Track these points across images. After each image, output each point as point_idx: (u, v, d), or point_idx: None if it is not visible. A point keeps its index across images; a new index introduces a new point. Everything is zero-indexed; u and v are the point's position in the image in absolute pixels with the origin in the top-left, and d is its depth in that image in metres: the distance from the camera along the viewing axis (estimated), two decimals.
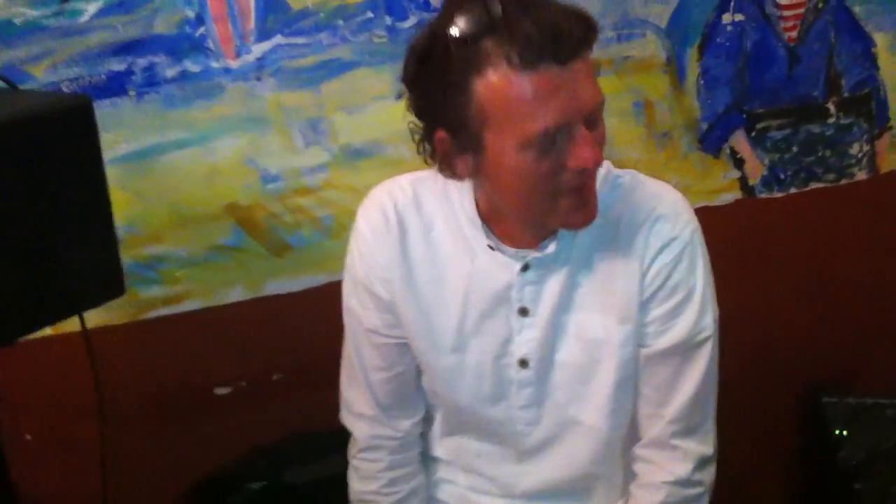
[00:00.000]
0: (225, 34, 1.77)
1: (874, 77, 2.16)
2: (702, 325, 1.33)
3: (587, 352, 1.35)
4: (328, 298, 1.93)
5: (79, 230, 1.37)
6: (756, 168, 2.15)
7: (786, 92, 2.12)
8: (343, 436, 2.00)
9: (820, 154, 2.18)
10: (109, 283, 1.50)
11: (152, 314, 1.89)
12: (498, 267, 1.32)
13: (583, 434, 1.40)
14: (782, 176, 2.18)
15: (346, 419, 1.53)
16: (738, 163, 2.14)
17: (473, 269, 1.33)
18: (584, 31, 1.13)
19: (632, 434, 1.41)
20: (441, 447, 1.54)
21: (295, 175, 1.88)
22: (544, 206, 1.22)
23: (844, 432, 1.80)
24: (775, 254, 2.20)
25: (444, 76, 1.15)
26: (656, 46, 2.01)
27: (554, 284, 1.32)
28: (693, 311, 1.32)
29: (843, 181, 2.22)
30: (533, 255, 1.29)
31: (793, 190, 2.19)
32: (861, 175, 2.22)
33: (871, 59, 2.14)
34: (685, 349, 1.33)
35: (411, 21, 1.86)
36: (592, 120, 1.17)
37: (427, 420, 1.53)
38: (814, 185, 2.21)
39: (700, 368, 1.34)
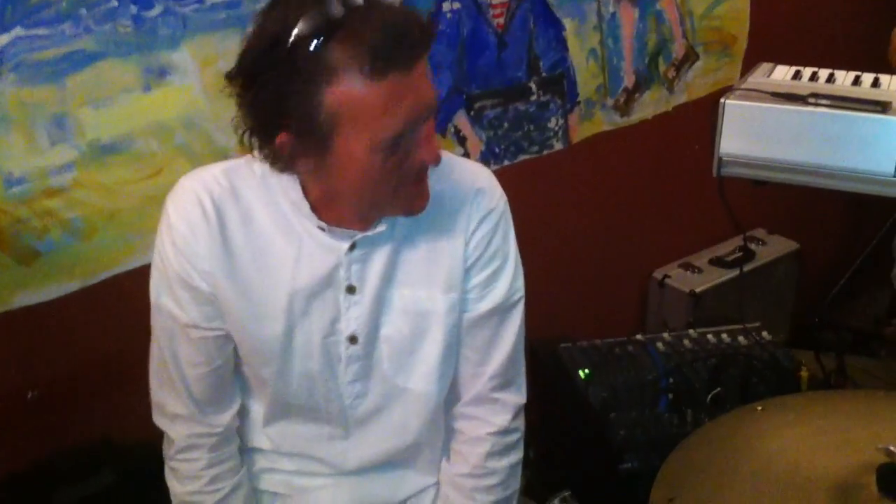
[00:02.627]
0: None
1: (565, 58, 2.56)
2: (515, 286, 1.56)
3: (413, 324, 1.51)
4: (83, 305, 1.94)
5: None
6: (476, 145, 2.47)
7: (496, 74, 2.46)
8: (107, 447, 2.02)
9: (525, 129, 2.54)
10: None
11: None
12: (325, 249, 1.43)
13: (410, 401, 1.57)
14: (497, 150, 2.51)
15: (160, 421, 1.59)
16: (462, 140, 2.43)
17: (299, 254, 1.44)
18: (422, 32, 1.25)
19: (450, 396, 1.63)
20: (262, 437, 1.66)
21: (41, 176, 1.86)
22: (386, 198, 1.36)
23: (587, 371, 2.14)
24: None
25: (289, 83, 1.21)
26: None
27: (379, 261, 1.46)
28: (508, 275, 1.55)
29: (545, 152, 2.59)
30: (361, 234, 1.43)
31: (506, 162, 2.52)
32: (558, 146, 2.61)
33: (563, 43, 2.54)
34: (502, 310, 1.55)
35: (157, 10, 1.92)
36: (431, 115, 1.33)
37: (241, 412, 1.63)
38: (522, 157, 2.56)
39: (515, 326, 1.58)
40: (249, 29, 1.26)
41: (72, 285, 1.95)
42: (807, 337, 2.96)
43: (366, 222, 1.43)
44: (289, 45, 1.19)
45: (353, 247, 1.43)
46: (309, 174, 1.37)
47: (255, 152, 1.35)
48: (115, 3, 1.85)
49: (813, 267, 3.16)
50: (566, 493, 1.74)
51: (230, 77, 1.28)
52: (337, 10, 1.19)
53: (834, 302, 3.02)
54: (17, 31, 1.76)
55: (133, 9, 1.88)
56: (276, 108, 1.25)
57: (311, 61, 1.19)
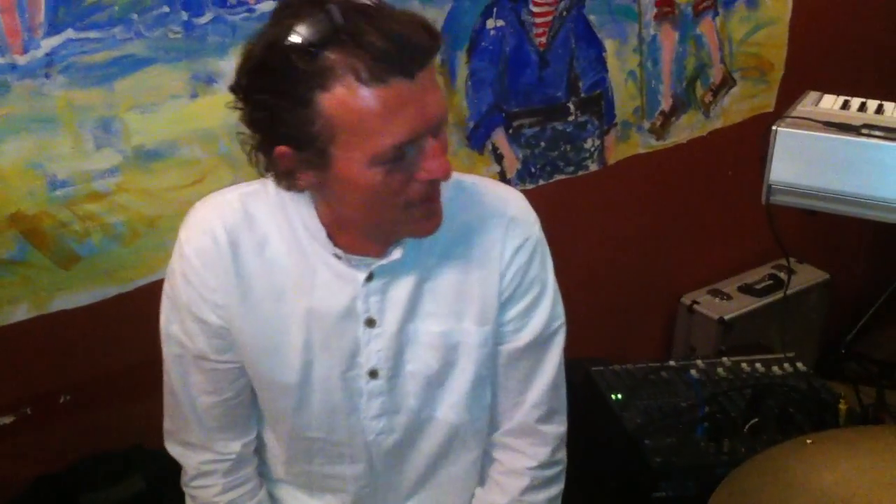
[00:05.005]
0: (12, 27, 1.71)
1: (605, 79, 2.55)
2: (556, 314, 1.48)
3: (441, 358, 1.43)
4: (120, 310, 1.94)
5: None
6: (512, 163, 2.46)
7: (536, 92, 2.44)
8: (138, 453, 2.00)
9: (562, 149, 2.53)
10: None
11: None
12: (341, 280, 1.36)
13: (437, 430, 1.50)
14: (533, 169, 2.50)
15: (172, 449, 1.55)
16: (499, 158, 2.42)
17: (315, 284, 1.36)
18: (429, 40, 1.16)
19: (486, 426, 1.55)
20: (284, 471, 1.60)
21: (85, 179, 1.86)
22: (393, 218, 1.28)
23: (620, 396, 2.13)
24: None
25: (286, 89, 1.15)
26: None
27: (401, 293, 1.38)
28: (548, 303, 1.47)
29: (580, 173, 2.58)
30: (378, 263, 1.35)
31: (541, 182, 2.52)
32: (593, 167, 2.60)
33: (603, 63, 2.53)
34: (543, 340, 1.48)
35: (207, 17, 1.92)
36: (439, 129, 1.23)
37: (260, 446, 1.59)
38: (557, 177, 2.55)
39: (556, 354, 1.50)
40: (248, 41, 1.20)
41: (110, 290, 1.94)
42: (832, 367, 2.96)
43: (380, 246, 1.35)
44: (284, 51, 1.13)
45: (370, 277, 1.36)
46: (315, 192, 1.31)
47: (262, 170, 1.28)
48: (167, 9, 1.85)
49: (841, 297, 3.15)
50: None
51: (233, 90, 1.23)
52: (336, 16, 1.13)
53: (861, 333, 3.02)
54: (69, 33, 1.76)
55: (184, 15, 1.87)
56: (272, 118, 1.19)
57: (307, 66, 1.13)
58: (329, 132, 1.17)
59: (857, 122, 1.84)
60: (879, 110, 1.98)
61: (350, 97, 1.14)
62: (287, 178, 1.26)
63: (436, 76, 1.21)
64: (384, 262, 1.35)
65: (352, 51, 1.12)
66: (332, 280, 1.36)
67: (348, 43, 1.12)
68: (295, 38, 1.12)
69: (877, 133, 1.79)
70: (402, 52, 1.13)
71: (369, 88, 1.13)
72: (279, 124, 1.19)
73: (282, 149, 1.21)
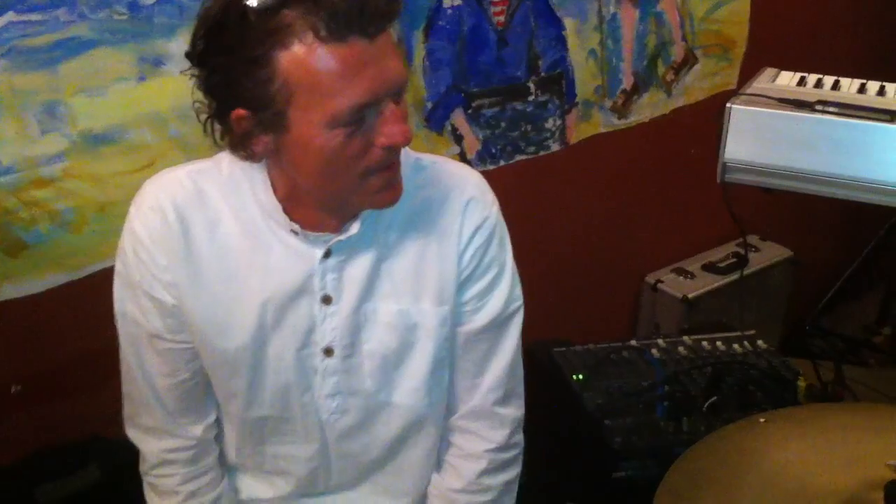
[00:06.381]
0: None
1: (565, 58, 2.52)
2: (513, 296, 1.48)
3: (399, 338, 1.42)
4: (70, 298, 1.90)
5: None
6: (473, 144, 2.44)
7: (496, 72, 2.41)
8: (95, 443, 1.97)
9: (523, 129, 2.51)
10: None
11: None
12: (297, 258, 1.35)
13: (394, 415, 1.49)
14: (493, 150, 2.48)
15: (132, 434, 1.53)
16: (458, 139, 2.39)
17: (270, 262, 1.35)
18: (388, 3, 1.16)
19: (445, 409, 1.55)
20: (240, 456, 1.58)
21: (30, 165, 1.83)
22: (352, 187, 1.26)
23: (581, 376, 2.12)
24: None
25: (243, 49, 1.14)
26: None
27: (358, 271, 1.37)
28: (506, 284, 1.46)
29: (541, 153, 2.56)
30: (335, 238, 1.34)
31: (502, 163, 2.49)
32: (555, 147, 2.58)
33: (563, 42, 2.50)
34: (500, 321, 1.47)
35: None
36: (399, 95, 1.22)
37: (221, 423, 1.57)
38: (518, 158, 2.52)
39: (513, 336, 1.50)
40: (205, 4, 1.18)
41: (60, 278, 1.91)
42: (797, 344, 2.96)
43: (337, 220, 1.33)
44: (242, 10, 1.12)
45: (328, 254, 1.35)
46: (272, 159, 1.29)
47: (218, 139, 1.26)
48: None
49: (806, 274, 3.15)
50: None
51: (188, 56, 1.21)
52: None
53: (826, 310, 3.01)
54: (10, 15, 1.72)
55: None
56: (229, 79, 1.17)
57: (264, 24, 1.12)
58: (287, 92, 1.15)
59: (812, 99, 1.81)
60: (836, 86, 1.96)
61: (308, 55, 1.13)
62: (243, 144, 1.24)
63: (395, 44, 1.20)
64: (342, 237, 1.34)
65: (310, 8, 1.11)
66: (287, 258, 1.35)
67: (308, 1, 1.11)
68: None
69: (831, 109, 1.76)
70: (361, 12, 1.12)
71: (328, 46, 1.12)
72: (236, 86, 1.17)
73: (239, 112, 1.19)
